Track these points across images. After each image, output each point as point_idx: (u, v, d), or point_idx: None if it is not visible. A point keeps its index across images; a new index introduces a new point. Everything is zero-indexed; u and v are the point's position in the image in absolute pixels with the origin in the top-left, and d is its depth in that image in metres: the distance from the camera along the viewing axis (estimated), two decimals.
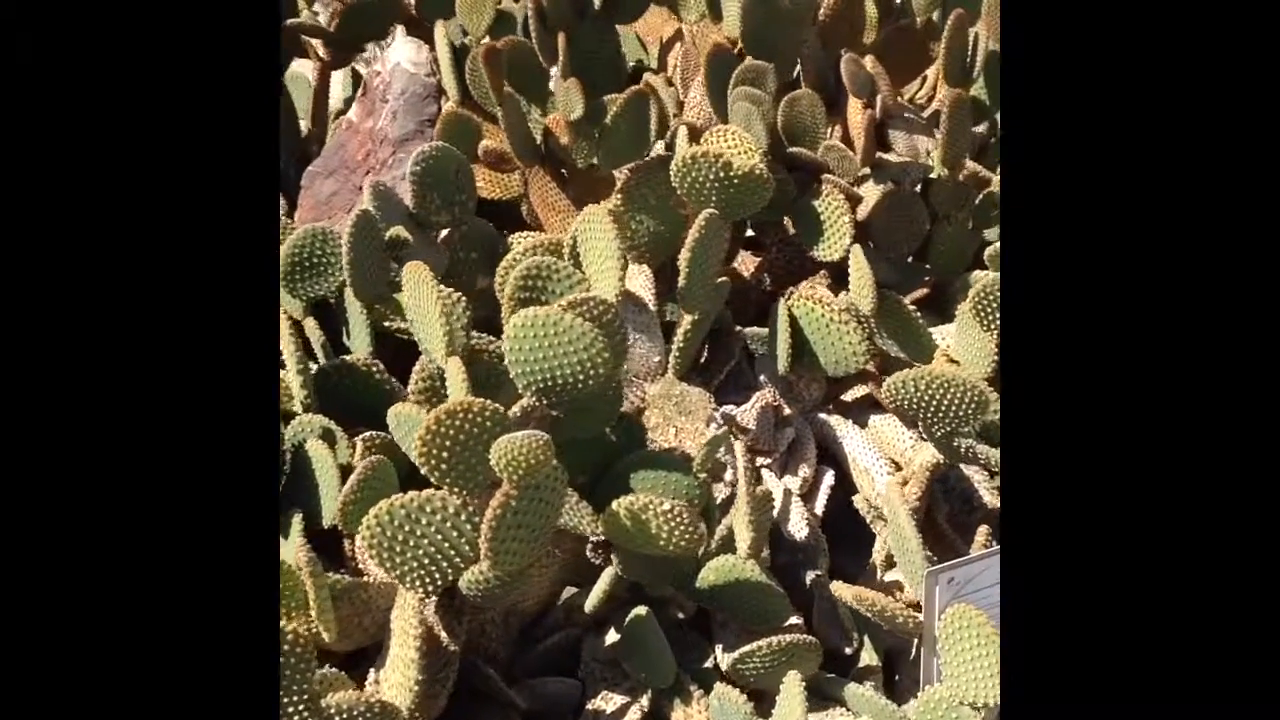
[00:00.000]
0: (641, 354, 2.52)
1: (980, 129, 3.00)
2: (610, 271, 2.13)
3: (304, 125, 3.24)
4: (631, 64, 3.32)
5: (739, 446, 2.28)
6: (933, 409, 2.15)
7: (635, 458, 2.20)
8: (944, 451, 2.25)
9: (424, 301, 2.06)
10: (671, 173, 2.33)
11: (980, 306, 2.20)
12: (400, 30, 3.04)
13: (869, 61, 2.60)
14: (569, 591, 2.33)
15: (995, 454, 2.18)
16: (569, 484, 2.24)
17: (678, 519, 1.96)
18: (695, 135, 2.55)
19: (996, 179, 3.00)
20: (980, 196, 2.75)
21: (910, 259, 2.84)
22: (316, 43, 3.10)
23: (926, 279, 2.78)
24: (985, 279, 2.19)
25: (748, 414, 2.49)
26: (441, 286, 2.06)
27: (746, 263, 3.00)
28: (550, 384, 2.01)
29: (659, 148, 2.63)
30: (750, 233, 2.93)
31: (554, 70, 2.68)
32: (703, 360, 2.67)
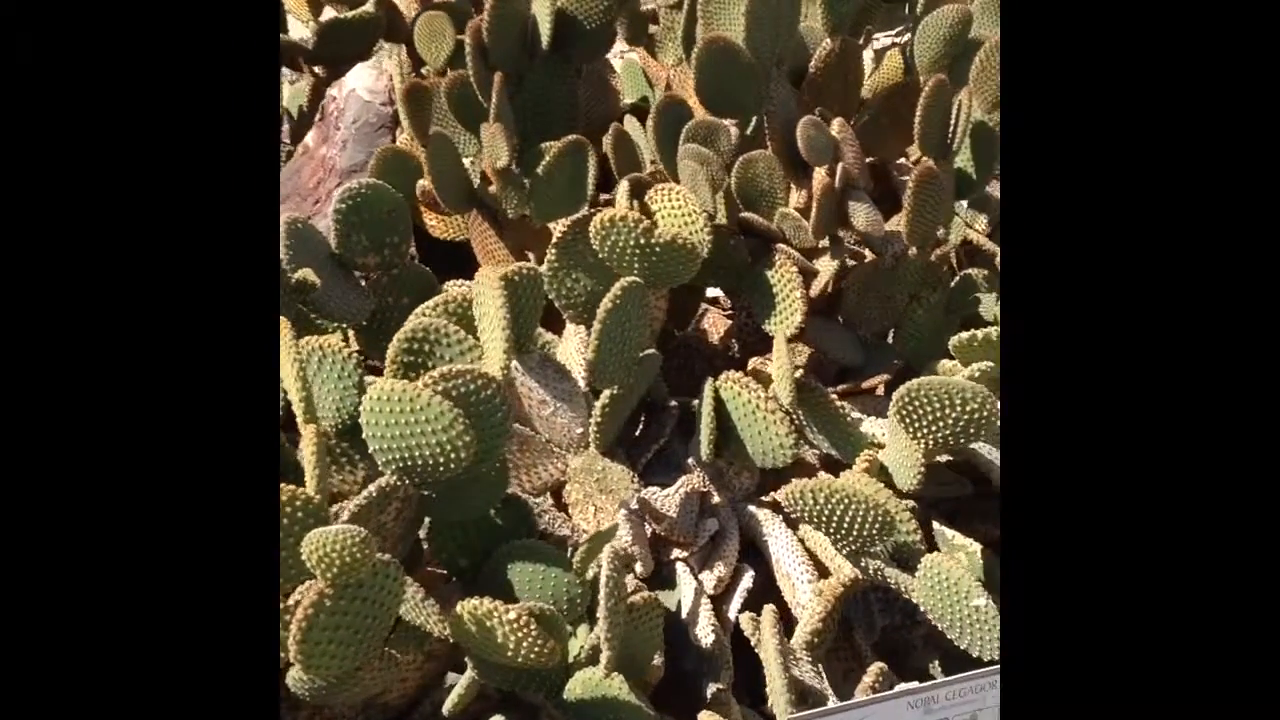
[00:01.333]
0: (563, 424, 2.32)
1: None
2: (497, 343, 1.94)
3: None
4: (635, 100, 3.13)
5: (619, 542, 2.08)
6: (834, 524, 1.92)
7: (516, 547, 2.01)
8: (858, 568, 2.03)
9: (284, 361, 1.88)
10: (590, 234, 2.13)
11: (906, 412, 1.97)
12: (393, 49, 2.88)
13: (836, 125, 2.37)
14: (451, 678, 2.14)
15: (907, 579, 1.94)
16: (451, 568, 2.08)
17: (524, 630, 1.75)
18: (641, 190, 2.35)
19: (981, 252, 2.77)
20: (957, 279, 2.52)
21: (885, 339, 2.62)
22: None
23: (895, 362, 2.54)
24: (913, 384, 1.95)
25: (669, 499, 2.28)
26: (303, 342, 1.89)
27: (717, 324, 2.79)
28: (410, 464, 1.84)
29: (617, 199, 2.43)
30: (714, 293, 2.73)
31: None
32: (638, 433, 2.46)
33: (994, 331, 2.22)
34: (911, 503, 2.05)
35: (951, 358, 2.39)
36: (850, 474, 2.02)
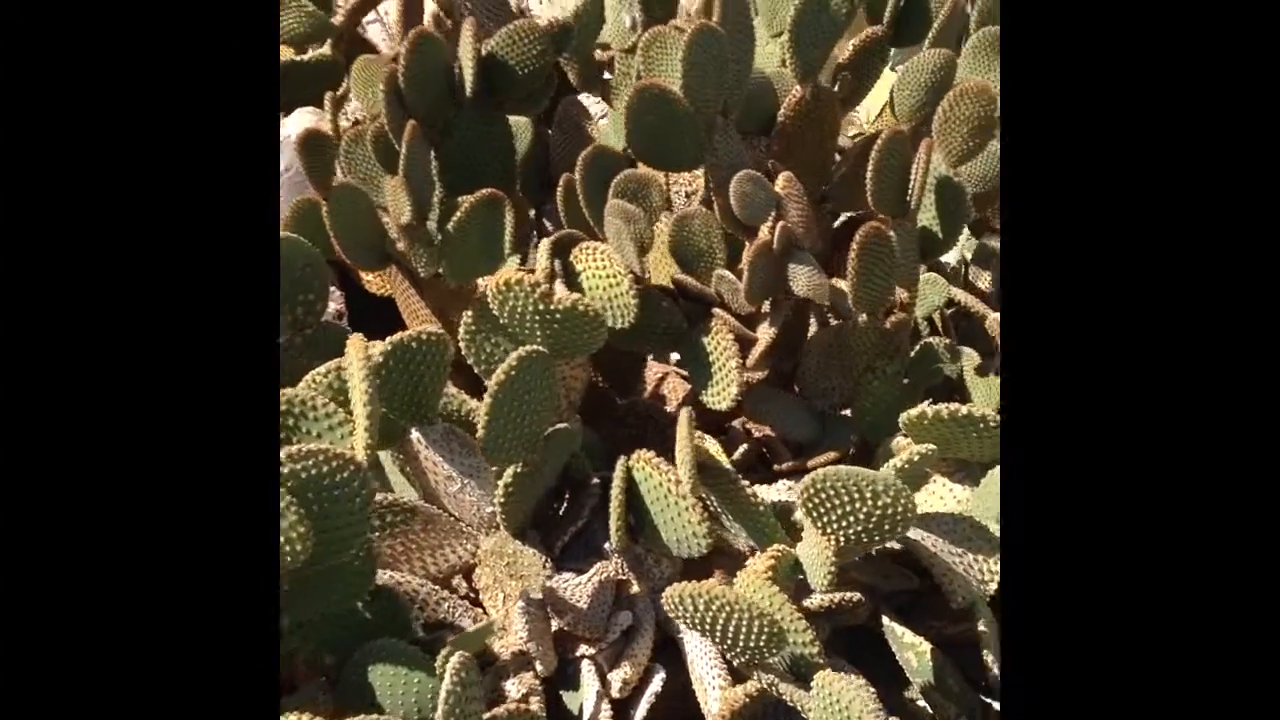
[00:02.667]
0: (471, 502, 2.13)
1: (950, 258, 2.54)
2: (359, 420, 1.76)
3: None
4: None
5: (513, 638, 1.88)
6: (718, 633, 1.70)
7: (378, 647, 1.81)
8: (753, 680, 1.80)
9: None
10: (488, 297, 1.95)
11: (812, 505, 1.75)
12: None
13: (782, 179, 2.16)
14: None
15: (803, 696, 1.71)
16: (317, 665, 1.90)
17: None
18: (566, 249, 2.16)
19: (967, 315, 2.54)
20: (916, 348, 2.28)
21: (847, 411, 2.39)
22: None
23: (852, 438, 2.32)
24: (819, 474, 1.73)
25: (581, 589, 2.08)
26: None
27: (676, 390, 2.59)
28: None
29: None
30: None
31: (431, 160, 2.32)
32: (562, 512, 2.26)
33: (945, 409, 2.00)
34: (829, 596, 1.83)
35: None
36: (746, 574, 1.80)
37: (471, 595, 2.19)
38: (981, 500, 2.11)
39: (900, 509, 1.70)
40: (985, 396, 2.32)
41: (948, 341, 2.28)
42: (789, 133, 2.50)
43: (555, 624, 2.06)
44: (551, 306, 1.91)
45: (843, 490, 1.70)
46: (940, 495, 2.18)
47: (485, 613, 2.15)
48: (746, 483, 1.94)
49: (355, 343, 1.79)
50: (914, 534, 2.02)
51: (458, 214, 2.13)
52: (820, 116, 2.53)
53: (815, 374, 2.34)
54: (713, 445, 2.14)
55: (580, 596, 2.06)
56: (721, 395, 2.16)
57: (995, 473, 2.10)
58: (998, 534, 2.07)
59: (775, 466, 2.29)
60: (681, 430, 1.83)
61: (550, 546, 2.16)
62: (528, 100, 2.35)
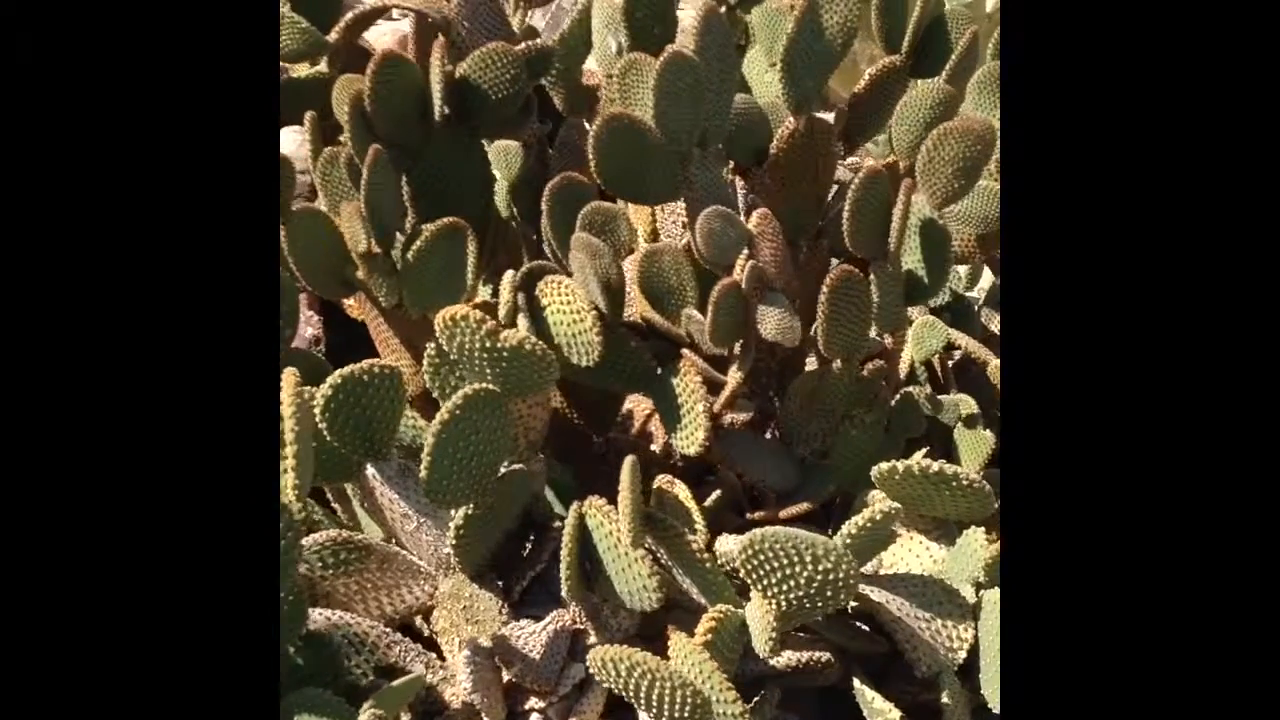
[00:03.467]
0: (429, 541, 2.06)
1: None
2: (287, 461, 1.69)
3: None
4: None
5: (458, 689, 1.80)
6: (643, 699, 1.61)
7: (304, 696, 1.74)
8: None
9: None
10: (436, 331, 1.88)
11: (752, 566, 1.65)
12: None
13: (756, 217, 2.07)
14: None
15: None
16: None
17: None
18: (533, 282, 2.08)
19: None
20: (897, 397, 2.18)
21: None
22: None
23: (830, 488, 2.22)
24: (758, 534, 1.63)
25: (535, 638, 2.00)
26: None
27: (661, 428, 2.50)
28: None
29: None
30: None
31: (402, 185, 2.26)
32: (525, 553, 2.18)
33: (916, 464, 1.90)
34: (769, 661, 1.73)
35: None
36: (678, 639, 1.71)
37: (431, 637, 2.12)
38: (956, 561, 2.01)
39: (841, 575, 1.61)
40: (972, 450, 2.22)
41: (928, 391, 2.17)
42: (782, 166, 2.41)
43: (506, 674, 1.97)
44: (498, 344, 1.83)
45: (781, 553, 1.61)
46: (915, 554, 2.08)
47: (441, 657, 2.08)
48: (698, 535, 1.85)
49: (287, 377, 1.73)
50: (878, 596, 1.93)
51: (417, 243, 2.06)
52: (815, 150, 2.43)
53: (797, 419, 2.25)
54: (682, 491, 2.06)
55: (533, 646, 1.98)
56: (689, 440, 2.07)
57: (971, 533, 2.00)
58: (972, 598, 1.96)
59: (748, 515, 2.19)
60: (624, 478, 1.75)
61: (509, 591, 2.09)
62: (504, 125, 2.28)
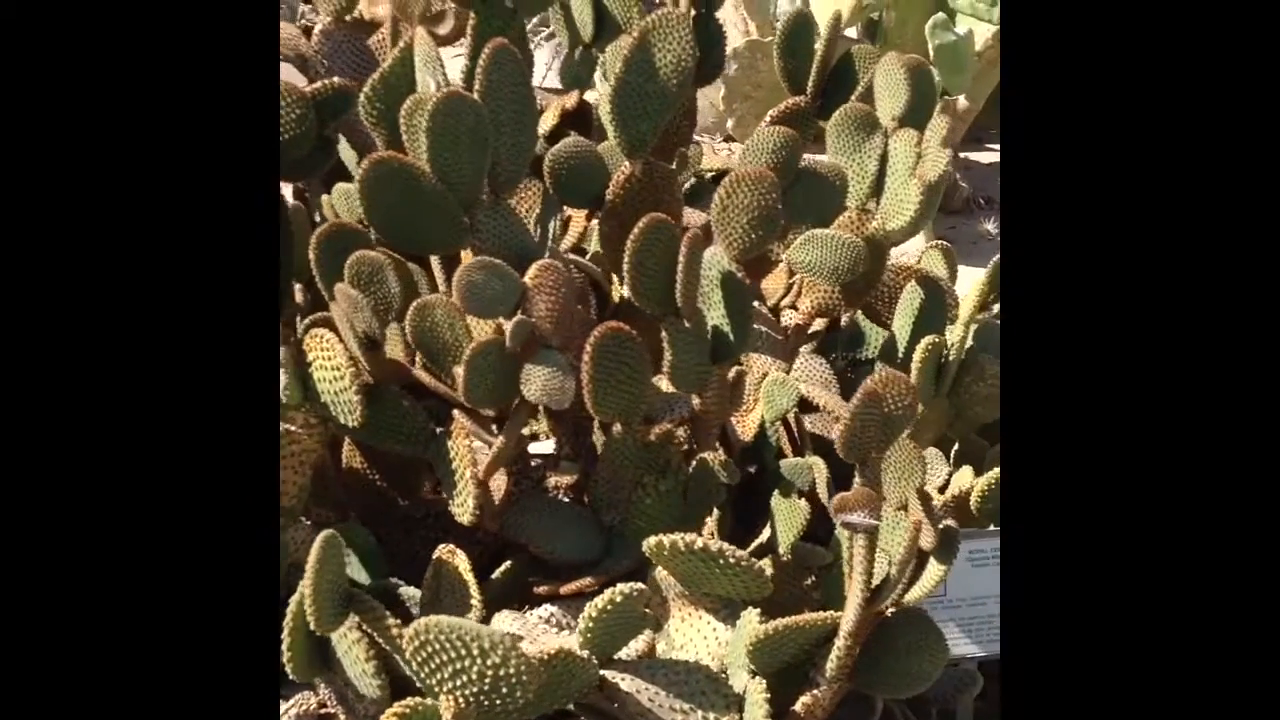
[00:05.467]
0: None
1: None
2: None
3: None
4: None
5: None
6: None
7: None
8: None
9: None
10: None
11: (420, 659, 1.50)
12: None
13: (535, 269, 1.92)
14: None
15: None
16: None
17: None
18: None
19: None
20: (694, 464, 2.02)
21: None
22: None
23: (626, 561, 2.05)
24: (422, 623, 1.48)
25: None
26: None
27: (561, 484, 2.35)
28: None
29: None
30: None
31: None
32: None
33: (682, 539, 1.75)
34: None
35: None
36: None
37: None
38: (735, 645, 1.84)
39: (512, 671, 1.45)
40: (787, 521, 2.04)
41: (723, 458, 2.00)
42: (619, 212, 2.27)
43: None
44: None
45: (448, 644, 1.46)
46: (703, 635, 1.91)
47: None
48: (475, 609, 1.71)
49: None
50: (628, 685, 1.76)
51: None
52: (656, 196, 2.29)
53: (606, 484, 2.09)
54: (462, 562, 1.91)
55: None
56: (461, 507, 1.93)
57: (747, 614, 1.83)
58: (741, 687, 1.79)
59: (535, 589, 2.04)
60: (313, 554, 1.60)
61: None
62: (295, 167, 2.15)
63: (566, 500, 2.19)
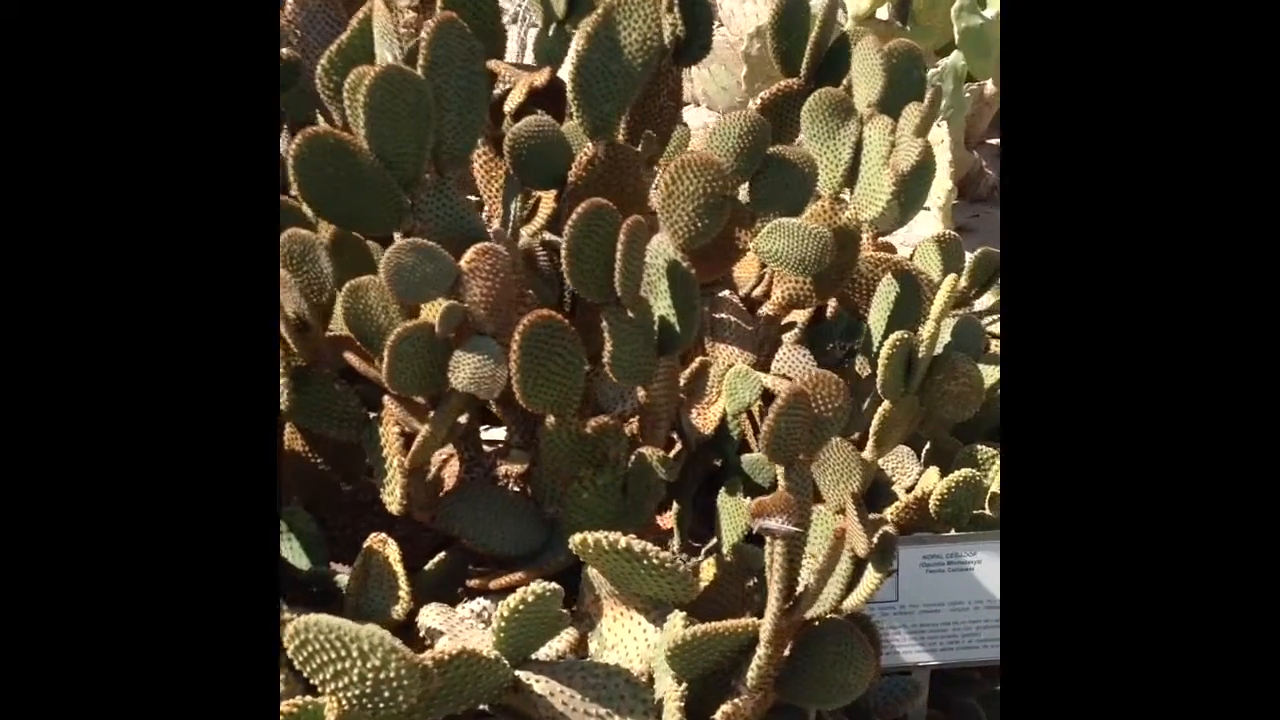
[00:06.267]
0: None
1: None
2: None
3: None
4: None
5: None
6: None
7: None
8: None
9: None
10: None
11: (302, 658, 1.44)
12: None
13: (472, 252, 1.86)
14: None
15: None
16: None
17: None
18: None
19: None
20: (634, 458, 1.95)
21: None
22: None
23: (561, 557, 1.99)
24: (302, 622, 1.42)
25: None
26: None
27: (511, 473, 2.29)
28: None
29: None
30: None
31: None
32: None
33: (606, 538, 1.69)
34: None
35: None
36: None
37: None
38: (659, 649, 1.77)
39: (393, 674, 1.39)
40: (731, 520, 1.97)
41: (660, 454, 1.93)
42: (580, 195, 2.18)
43: None
44: None
45: (328, 645, 1.40)
46: (634, 636, 1.84)
47: None
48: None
49: None
50: (541, 688, 1.69)
51: None
52: (620, 179, 2.21)
53: (550, 476, 2.02)
54: (393, 551, 1.86)
55: None
56: (390, 496, 1.87)
57: (673, 617, 1.76)
58: (661, 694, 1.72)
59: (467, 582, 1.98)
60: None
61: None
62: None
63: (515, 490, 2.13)
